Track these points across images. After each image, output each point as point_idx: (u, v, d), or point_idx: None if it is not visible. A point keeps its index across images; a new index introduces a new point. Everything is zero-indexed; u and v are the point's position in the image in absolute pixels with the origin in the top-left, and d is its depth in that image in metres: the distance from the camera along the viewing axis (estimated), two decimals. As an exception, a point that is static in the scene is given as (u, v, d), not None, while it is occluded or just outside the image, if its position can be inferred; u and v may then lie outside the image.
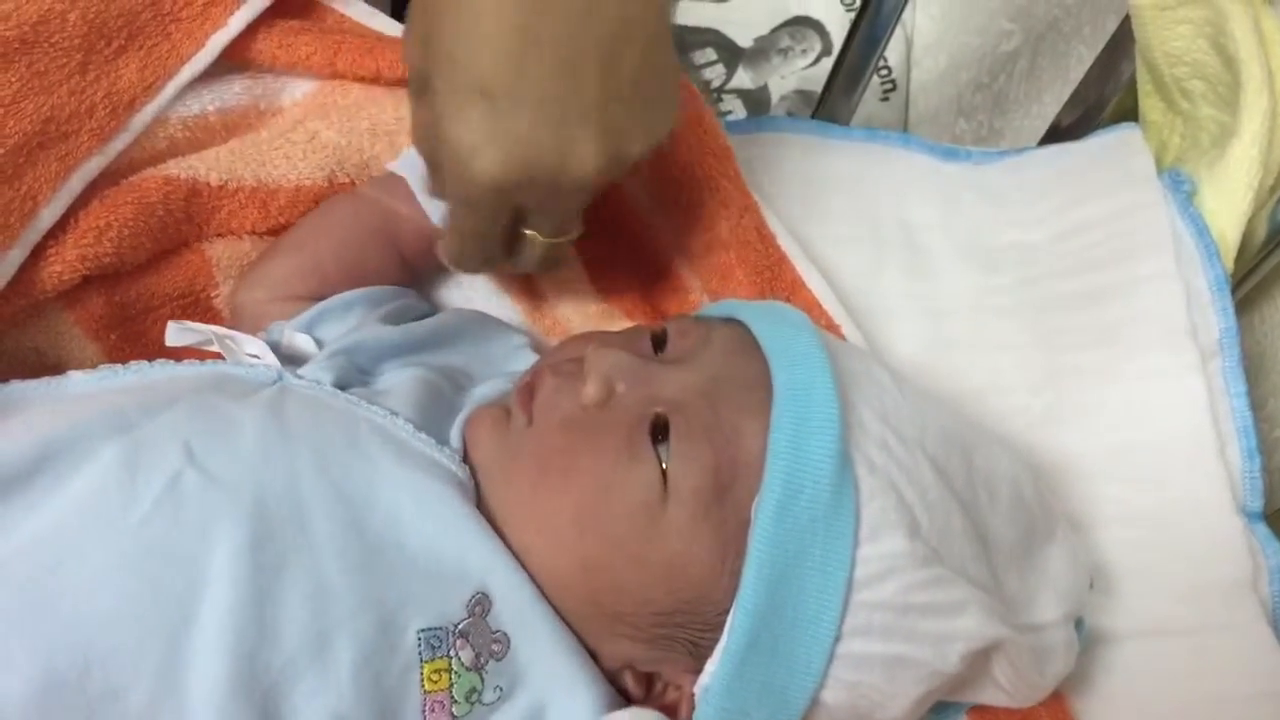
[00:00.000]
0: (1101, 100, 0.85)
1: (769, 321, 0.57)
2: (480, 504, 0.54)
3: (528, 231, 0.57)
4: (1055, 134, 0.88)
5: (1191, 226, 0.72)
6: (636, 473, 0.51)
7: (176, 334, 0.58)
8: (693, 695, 0.53)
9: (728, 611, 0.51)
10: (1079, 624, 0.59)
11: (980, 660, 0.54)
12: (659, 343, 0.58)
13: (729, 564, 0.51)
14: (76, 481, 0.47)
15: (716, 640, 0.52)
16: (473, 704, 0.50)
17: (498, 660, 0.51)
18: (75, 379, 0.54)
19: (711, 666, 0.52)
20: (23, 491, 0.47)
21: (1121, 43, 0.80)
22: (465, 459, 0.56)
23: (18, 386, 0.53)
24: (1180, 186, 0.73)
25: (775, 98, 1.27)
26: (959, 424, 0.58)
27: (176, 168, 0.62)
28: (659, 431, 0.52)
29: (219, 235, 0.64)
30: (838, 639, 0.51)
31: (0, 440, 0.48)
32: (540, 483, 0.53)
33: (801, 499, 0.50)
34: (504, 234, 0.56)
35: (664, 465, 0.51)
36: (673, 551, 0.51)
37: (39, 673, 0.43)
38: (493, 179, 0.51)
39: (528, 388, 0.56)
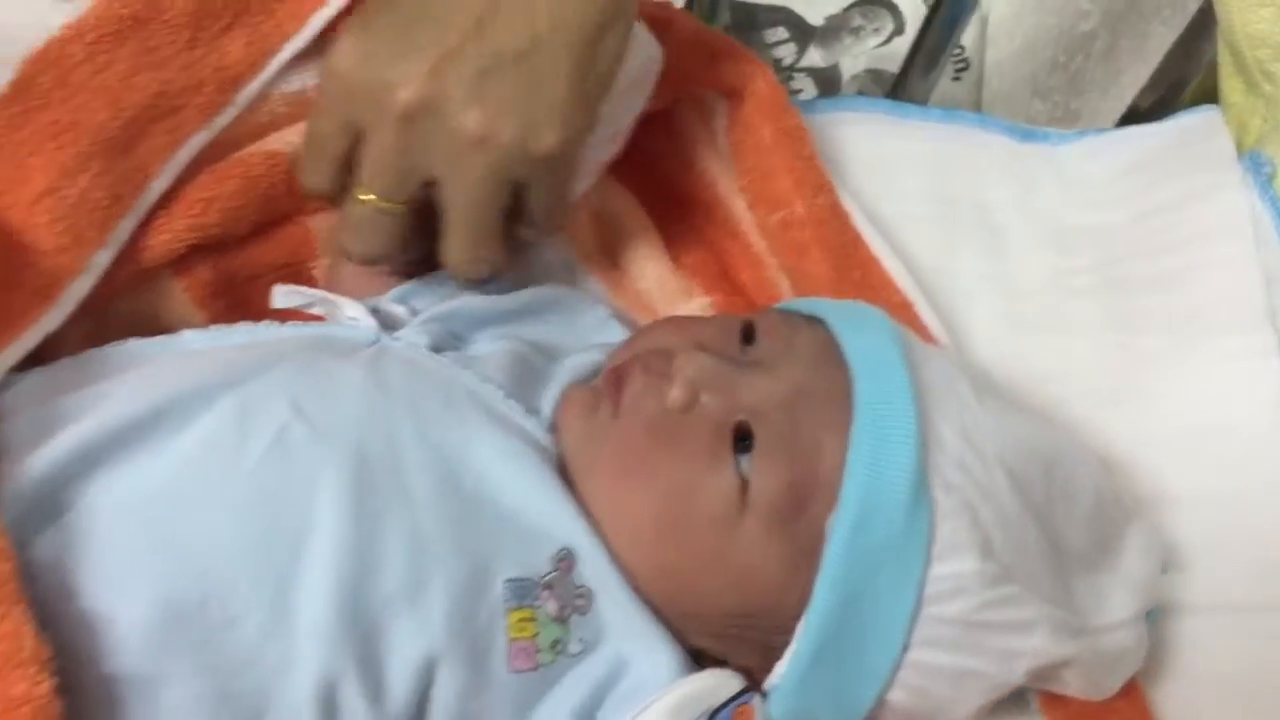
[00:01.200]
0: (1181, 82, 0.85)
1: (853, 328, 0.57)
2: (564, 478, 0.55)
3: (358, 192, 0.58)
4: (1134, 117, 0.88)
5: (1271, 209, 0.72)
6: (716, 482, 0.52)
7: (283, 297, 0.61)
8: (762, 692, 0.55)
9: (798, 617, 0.52)
10: (1150, 612, 0.60)
11: (1048, 670, 0.55)
12: (747, 335, 0.58)
13: (802, 575, 0.52)
14: (194, 431, 0.50)
15: (787, 642, 0.53)
16: (557, 654, 0.51)
17: (581, 615, 0.52)
18: (188, 336, 0.57)
19: (781, 668, 0.53)
20: (146, 439, 0.49)
21: (1202, 24, 0.80)
22: (552, 429, 0.57)
23: (136, 344, 0.57)
24: (1260, 169, 0.73)
25: (846, 77, 1.27)
26: (1041, 432, 0.58)
27: (278, 143, 0.64)
28: (740, 440, 0.53)
29: (319, 209, 0.66)
30: (905, 649, 0.52)
31: (124, 393, 0.51)
32: (621, 482, 0.54)
33: (877, 519, 0.51)
34: (338, 155, 0.57)
35: (743, 476, 0.52)
36: (746, 561, 0.52)
37: (161, 602, 0.46)
38: (333, 67, 0.55)
39: (617, 378, 0.57)
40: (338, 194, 0.59)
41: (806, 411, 0.53)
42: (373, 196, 0.57)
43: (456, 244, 0.59)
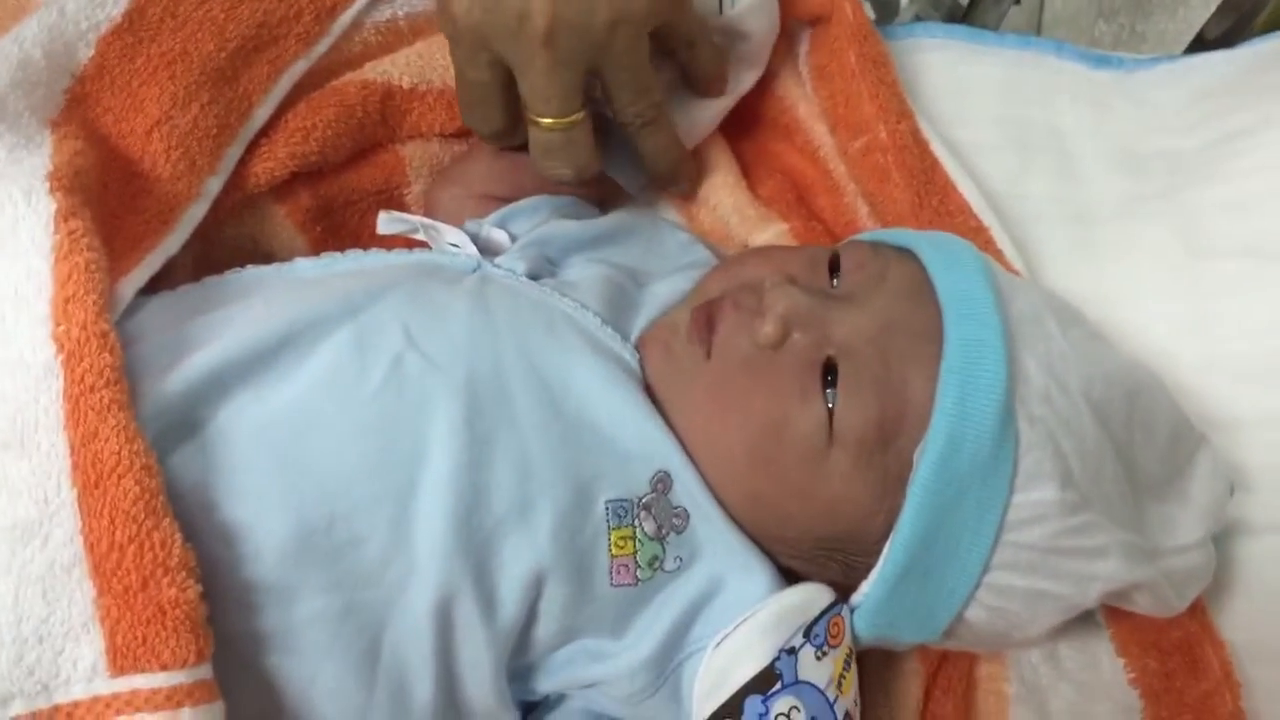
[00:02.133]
0: (1251, 12, 0.84)
1: (945, 263, 0.57)
2: (653, 401, 0.57)
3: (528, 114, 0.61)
4: (1201, 47, 0.87)
5: (1346, 134, 0.71)
6: (805, 416, 0.54)
7: (387, 223, 0.63)
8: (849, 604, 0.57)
9: (883, 541, 0.54)
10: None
11: (1120, 591, 0.57)
12: (834, 266, 0.59)
13: (887, 503, 0.54)
14: (315, 359, 0.52)
15: (870, 565, 0.55)
16: (655, 570, 0.54)
17: (678, 533, 0.54)
18: (302, 264, 0.60)
19: (865, 588, 0.55)
20: (271, 365, 0.52)
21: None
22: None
23: (253, 271, 0.59)
24: (1335, 96, 0.73)
25: (904, 0, 1.26)
26: (1122, 363, 0.59)
27: (372, 72, 0.66)
28: (829, 375, 0.54)
29: (410, 137, 0.68)
30: (985, 571, 0.54)
31: (248, 319, 0.53)
32: (714, 417, 0.55)
33: (964, 452, 0.52)
34: (494, 90, 0.60)
35: (831, 410, 0.53)
36: (834, 490, 0.54)
37: (294, 521, 0.49)
38: (460, 21, 0.57)
39: (708, 316, 0.57)
40: (514, 127, 0.63)
41: (896, 347, 0.54)
42: (551, 119, 0.60)
43: (628, 95, 0.62)
